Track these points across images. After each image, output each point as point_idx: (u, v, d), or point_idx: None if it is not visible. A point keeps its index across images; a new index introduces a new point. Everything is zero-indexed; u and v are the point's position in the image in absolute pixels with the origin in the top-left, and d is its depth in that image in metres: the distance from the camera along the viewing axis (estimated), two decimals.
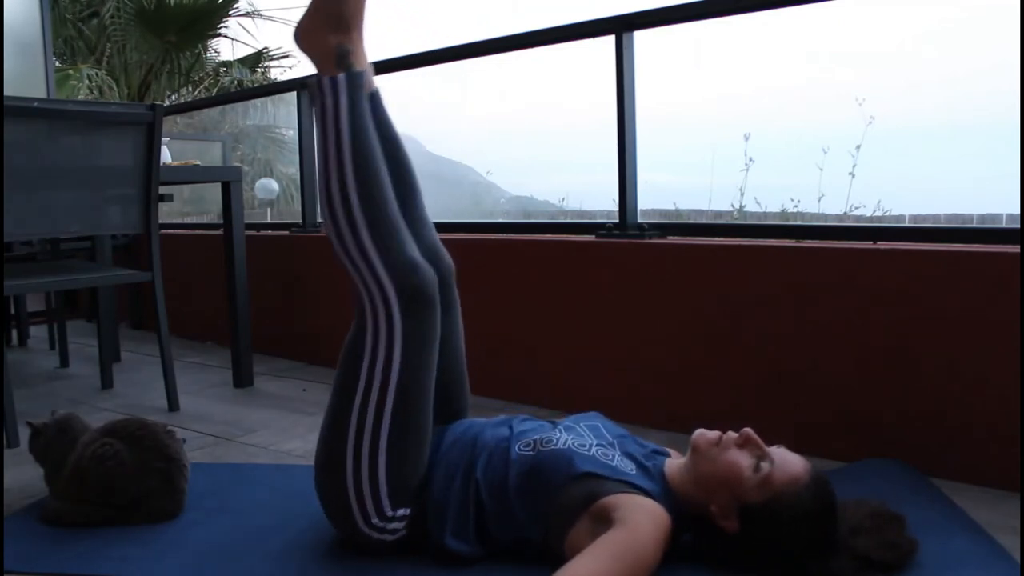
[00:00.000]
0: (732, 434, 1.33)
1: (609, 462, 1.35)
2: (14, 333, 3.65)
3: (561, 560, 1.23)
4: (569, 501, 1.29)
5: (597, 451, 1.37)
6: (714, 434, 1.34)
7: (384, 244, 1.39)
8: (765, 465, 1.28)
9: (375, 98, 1.53)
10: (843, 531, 1.29)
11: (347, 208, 1.39)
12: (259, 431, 2.27)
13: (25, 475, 1.83)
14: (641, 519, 1.24)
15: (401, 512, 1.39)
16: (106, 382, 2.77)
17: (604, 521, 1.25)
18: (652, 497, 1.30)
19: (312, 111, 1.49)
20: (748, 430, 1.32)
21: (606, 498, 1.28)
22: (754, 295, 2.04)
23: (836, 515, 1.29)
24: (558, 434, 1.41)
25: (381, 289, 1.39)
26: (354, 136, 1.40)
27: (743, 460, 1.29)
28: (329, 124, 1.41)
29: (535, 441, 1.39)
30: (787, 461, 1.30)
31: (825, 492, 1.29)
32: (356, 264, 1.40)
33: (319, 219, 3.32)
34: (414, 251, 1.43)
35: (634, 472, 1.35)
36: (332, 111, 1.41)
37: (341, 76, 1.41)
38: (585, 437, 1.42)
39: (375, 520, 1.37)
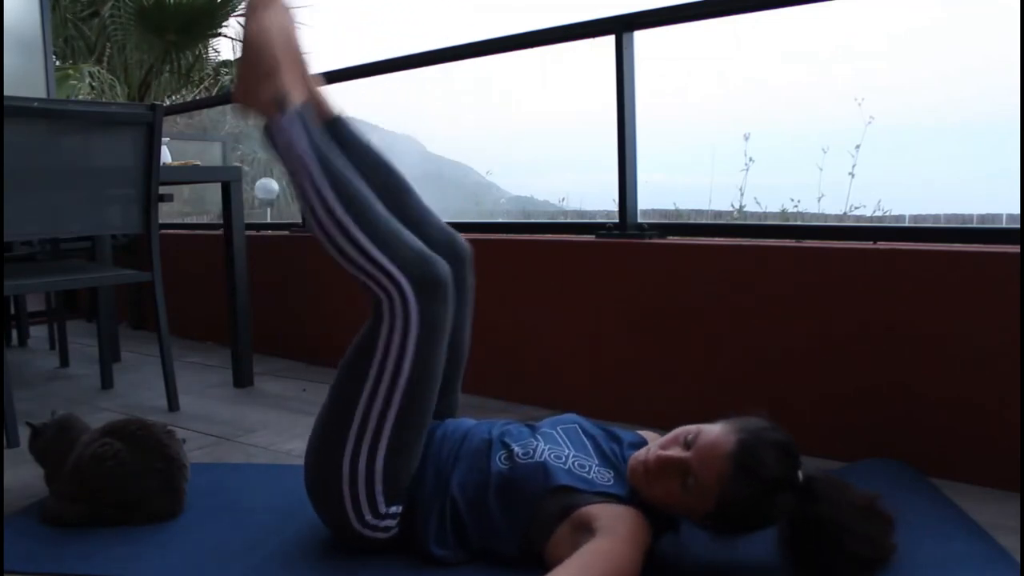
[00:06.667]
0: (650, 460, 1.29)
1: (586, 475, 1.36)
2: (14, 333, 3.65)
3: (543, 566, 1.23)
4: (546, 515, 1.31)
5: (574, 463, 1.38)
6: (639, 463, 1.32)
7: (384, 243, 1.39)
8: (691, 480, 1.25)
9: (340, 123, 1.57)
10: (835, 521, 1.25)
11: (335, 221, 1.39)
12: (259, 431, 2.27)
13: (25, 475, 1.83)
14: (622, 528, 1.25)
15: (394, 509, 1.39)
16: (106, 382, 2.77)
17: (585, 530, 1.26)
18: (627, 502, 1.31)
19: (274, 157, 1.50)
20: (653, 459, 1.29)
21: (584, 508, 1.29)
22: (754, 295, 2.04)
23: (779, 450, 1.25)
24: (535, 442, 1.41)
25: (391, 278, 1.37)
26: (320, 162, 1.41)
27: (670, 485, 1.27)
28: (292, 161, 1.42)
29: (513, 451, 1.40)
30: (708, 457, 1.25)
31: (753, 448, 1.24)
32: (358, 263, 1.39)
33: None
34: (421, 244, 1.43)
35: (611, 482, 1.36)
36: (287, 148, 1.42)
37: (282, 116, 1.43)
38: (563, 446, 1.42)
39: (368, 517, 1.38)
